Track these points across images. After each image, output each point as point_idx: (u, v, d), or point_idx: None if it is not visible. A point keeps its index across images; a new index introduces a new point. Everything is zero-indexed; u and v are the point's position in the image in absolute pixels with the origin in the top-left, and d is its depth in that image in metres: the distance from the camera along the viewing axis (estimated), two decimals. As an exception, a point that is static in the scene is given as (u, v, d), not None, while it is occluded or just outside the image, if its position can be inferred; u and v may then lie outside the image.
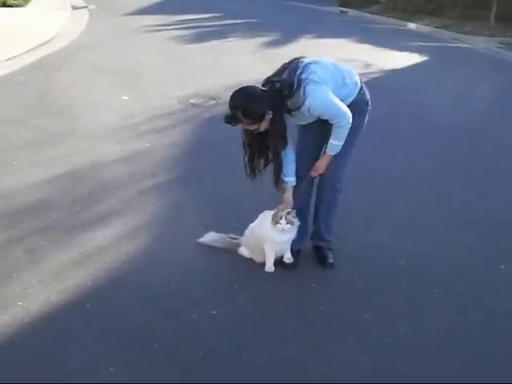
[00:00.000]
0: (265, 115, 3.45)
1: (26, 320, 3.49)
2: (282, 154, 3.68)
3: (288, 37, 14.03)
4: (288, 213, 3.74)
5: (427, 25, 17.94)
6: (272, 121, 3.50)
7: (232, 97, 3.57)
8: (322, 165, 3.83)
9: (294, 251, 4.06)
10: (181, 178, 5.55)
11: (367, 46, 13.48)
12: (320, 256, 4.12)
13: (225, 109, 3.66)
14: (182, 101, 8.03)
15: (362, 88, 3.77)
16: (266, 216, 3.87)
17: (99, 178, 5.49)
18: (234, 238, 4.25)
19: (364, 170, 5.72)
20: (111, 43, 12.08)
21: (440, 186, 5.81)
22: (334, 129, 3.62)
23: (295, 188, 3.89)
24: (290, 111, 3.58)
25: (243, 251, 4.14)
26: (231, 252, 4.21)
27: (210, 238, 4.26)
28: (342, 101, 3.58)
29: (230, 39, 13.67)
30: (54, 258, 4.13)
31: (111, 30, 13.82)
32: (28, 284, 3.83)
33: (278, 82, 3.52)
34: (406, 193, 5.59)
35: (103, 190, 5.22)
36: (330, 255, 4.09)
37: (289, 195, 3.87)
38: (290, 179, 3.83)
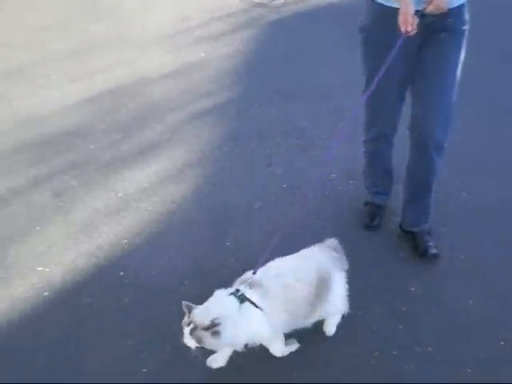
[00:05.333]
0: None
1: (46, 294, 2.81)
2: None
3: None
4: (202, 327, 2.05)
5: None
6: None
7: None
8: None
9: (374, 208, 3.21)
10: (241, 99, 4.61)
11: None
12: (417, 244, 3.00)
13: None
14: (245, -1, 6.90)
15: None
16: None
17: (146, 98, 4.65)
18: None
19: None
20: None
21: None
22: None
23: None
24: None
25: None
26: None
27: None
28: None
29: None
30: (86, 205, 3.41)
31: None
32: (52, 241, 3.14)
33: None
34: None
35: (149, 114, 4.40)
36: (431, 242, 2.97)
37: None
38: None
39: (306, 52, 5.27)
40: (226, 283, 2.29)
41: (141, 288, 2.81)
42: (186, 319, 2.09)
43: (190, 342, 2.06)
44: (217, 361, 2.37)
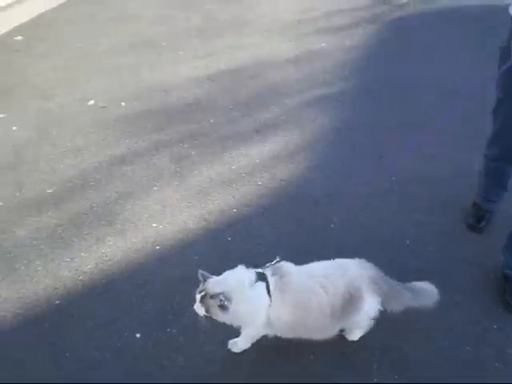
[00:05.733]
0: None
1: (157, 248, 3.00)
2: None
3: None
4: (214, 295, 2.03)
5: None
6: None
7: None
8: None
9: (483, 211, 3.07)
10: (356, 91, 4.63)
11: None
12: (506, 290, 2.66)
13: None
14: (372, -7, 6.88)
15: None
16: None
17: (266, 80, 4.79)
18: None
19: None
20: None
21: None
22: None
23: None
24: None
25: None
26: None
27: None
28: None
29: None
30: (202, 173, 3.58)
31: None
32: (168, 201, 3.34)
33: None
34: None
35: (268, 96, 4.53)
36: None
37: None
38: None
39: (428, 52, 5.19)
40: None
41: (246, 254, 2.92)
42: (200, 287, 2.08)
43: (200, 310, 2.05)
44: (237, 345, 2.34)
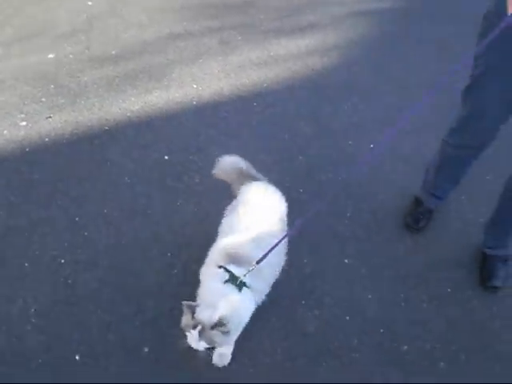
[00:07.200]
0: None
1: (194, 103, 3.57)
2: None
3: None
4: (214, 326, 1.83)
5: None
6: None
7: None
8: None
9: (424, 209, 2.82)
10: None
11: None
12: (486, 268, 2.61)
13: None
14: None
15: None
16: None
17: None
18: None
19: None
20: None
21: None
22: None
23: None
24: None
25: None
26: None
27: None
28: None
29: None
30: (243, 54, 4.08)
31: None
32: (209, 71, 3.87)
33: None
34: None
35: (318, 2, 4.91)
36: (501, 272, 2.57)
37: None
38: None
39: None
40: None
41: (267, 117, 3.45)
42: (188, 321, 1.87)
43: (199, 344, 1.85)
44: (226, 356, 2.22)
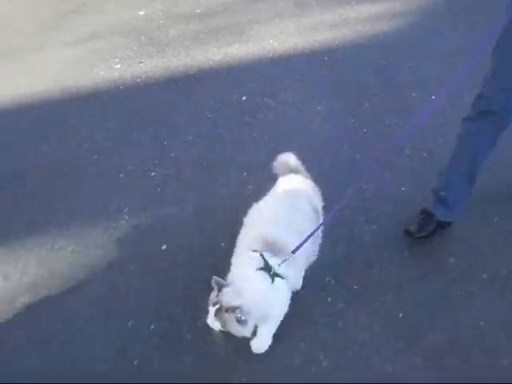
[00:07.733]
0: None
1: (270, 55, 3.92)
2: None
3: None
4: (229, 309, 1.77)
5: None
6: None
7: None
8: None
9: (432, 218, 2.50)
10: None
11: None
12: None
13: None
14: None
15: None
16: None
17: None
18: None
19: None
20: None
21: None
22: None
23: None
24: None
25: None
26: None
27: None
28: None
29: None
30: (316, 16, 4.39)
31: None
32: (285, 29, 4.22)
33: None
34: None
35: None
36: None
37: None
38: None
39: None
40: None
41: (330, 73, 3.75)
42: (213, 296, 1.82)
43: (215, 324, 1.80)
44: (266, 343, 2.06)
